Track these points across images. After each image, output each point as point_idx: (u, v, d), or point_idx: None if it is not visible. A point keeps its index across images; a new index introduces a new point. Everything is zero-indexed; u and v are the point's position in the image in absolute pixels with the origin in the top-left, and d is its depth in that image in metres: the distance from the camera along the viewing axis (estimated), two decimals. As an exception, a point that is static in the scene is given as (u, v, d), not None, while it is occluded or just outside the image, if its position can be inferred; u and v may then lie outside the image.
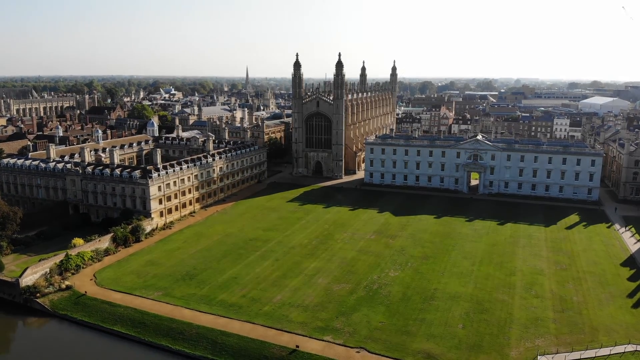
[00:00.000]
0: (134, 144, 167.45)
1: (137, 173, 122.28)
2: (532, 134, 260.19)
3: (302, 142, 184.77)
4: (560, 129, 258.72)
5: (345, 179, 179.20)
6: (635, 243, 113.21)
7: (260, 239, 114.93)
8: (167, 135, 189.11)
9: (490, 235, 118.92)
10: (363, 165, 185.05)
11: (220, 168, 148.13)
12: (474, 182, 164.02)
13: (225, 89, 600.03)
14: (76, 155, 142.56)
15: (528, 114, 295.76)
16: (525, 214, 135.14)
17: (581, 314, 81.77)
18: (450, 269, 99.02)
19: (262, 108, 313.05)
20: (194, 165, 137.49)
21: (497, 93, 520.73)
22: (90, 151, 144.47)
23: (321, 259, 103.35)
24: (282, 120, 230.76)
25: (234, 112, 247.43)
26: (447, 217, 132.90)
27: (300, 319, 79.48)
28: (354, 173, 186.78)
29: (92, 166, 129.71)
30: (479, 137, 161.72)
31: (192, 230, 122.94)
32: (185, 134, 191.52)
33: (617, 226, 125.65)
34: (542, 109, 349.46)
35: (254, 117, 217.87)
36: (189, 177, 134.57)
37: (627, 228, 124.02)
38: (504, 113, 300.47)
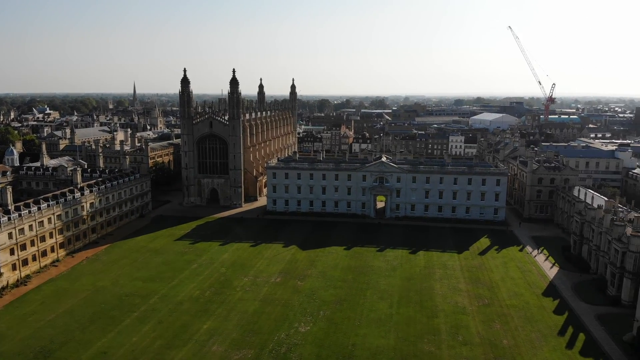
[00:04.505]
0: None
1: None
2: (429, 151, 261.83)
3: (193, 167, 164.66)
4: (456, 146, 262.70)
5: (246, 207, 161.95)
6: (551, 268, 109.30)
7: (139, 293, 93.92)
8: (31, 164, 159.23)
9: (403, 267, 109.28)
10: (265, 191, 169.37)
11: (92, 204, 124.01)
12: (380, 205, 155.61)
13: (110, 106, 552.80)
14: None
15: (423, 132, 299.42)
16: (435, 240, 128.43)
17: (515, 361, 72.89)
18: (367, 314, 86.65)
19: (149, 127, 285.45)
20: (57, 203, 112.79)
21: (390, 111, 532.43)
22: None
23: (216, 316, 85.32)
24: (170, 142, 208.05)
25: (115, 133, 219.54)
26: (357, 247, 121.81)
27: (188, 410, 61.31)
28: (255, 200, 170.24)
29: None
30: (384, 158, 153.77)
31: (53, 285, 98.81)
32: (53, 162, 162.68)
33: (529, 249, 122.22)
34: (435, 125, 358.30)
35: (136, 138, 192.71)
36: (49, 219, 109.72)
37: (539, 250, 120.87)
38: (401, 131, 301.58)
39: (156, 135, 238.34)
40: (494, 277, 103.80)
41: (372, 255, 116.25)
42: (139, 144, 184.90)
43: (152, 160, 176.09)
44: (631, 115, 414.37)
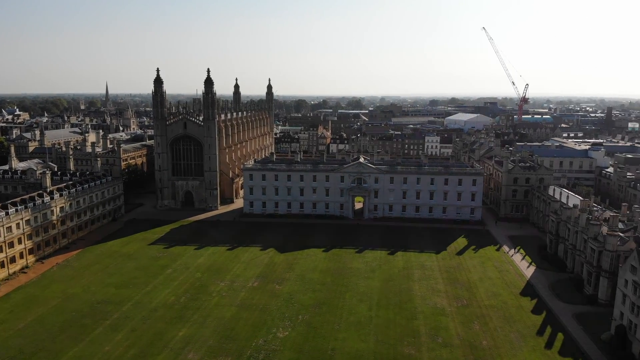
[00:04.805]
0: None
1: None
2: (406, 152, 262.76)
3: (167, 169, 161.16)
4: (432, 146, 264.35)
5: (222, 209, 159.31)
6: (528, 267, 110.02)
7: (111, 300, 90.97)
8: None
9: (382, 268, 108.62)
10: (242, 193, 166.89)
11: (62, 208, 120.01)
12: (358, 206, 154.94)
13: (82, 107, 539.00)
14: None
15: (400, 132, 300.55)
16: (413, 240, 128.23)
17: (495, 362, 72.73)
18: (346, 317, 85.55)
19: (121, 129, 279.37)
20: (26, 207, 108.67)
21: (367, 111, 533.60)
22: None
23: (192, 322, 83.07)
24: (143, 143, 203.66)
25: (86, 134, 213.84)
26: (336, 249, 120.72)
27: (163, 423, 59.21)
28: (232, 202, 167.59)
29: None
30: (362, 159, 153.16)
31: (23, 293, 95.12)
32: (22, 165, 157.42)
33: (506, 248, 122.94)
34: (411, 126, 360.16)
35: (108, 140, 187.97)
36: (18, 224, 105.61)
37: (516, 250, 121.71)
38: (378, 132, 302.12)
39: (129, 137, 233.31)
40: (472, 277, 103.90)
41: (351, 257, 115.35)
42: (111, 146, 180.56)
43: (125, 162, 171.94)
44: (602, 115, 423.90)
